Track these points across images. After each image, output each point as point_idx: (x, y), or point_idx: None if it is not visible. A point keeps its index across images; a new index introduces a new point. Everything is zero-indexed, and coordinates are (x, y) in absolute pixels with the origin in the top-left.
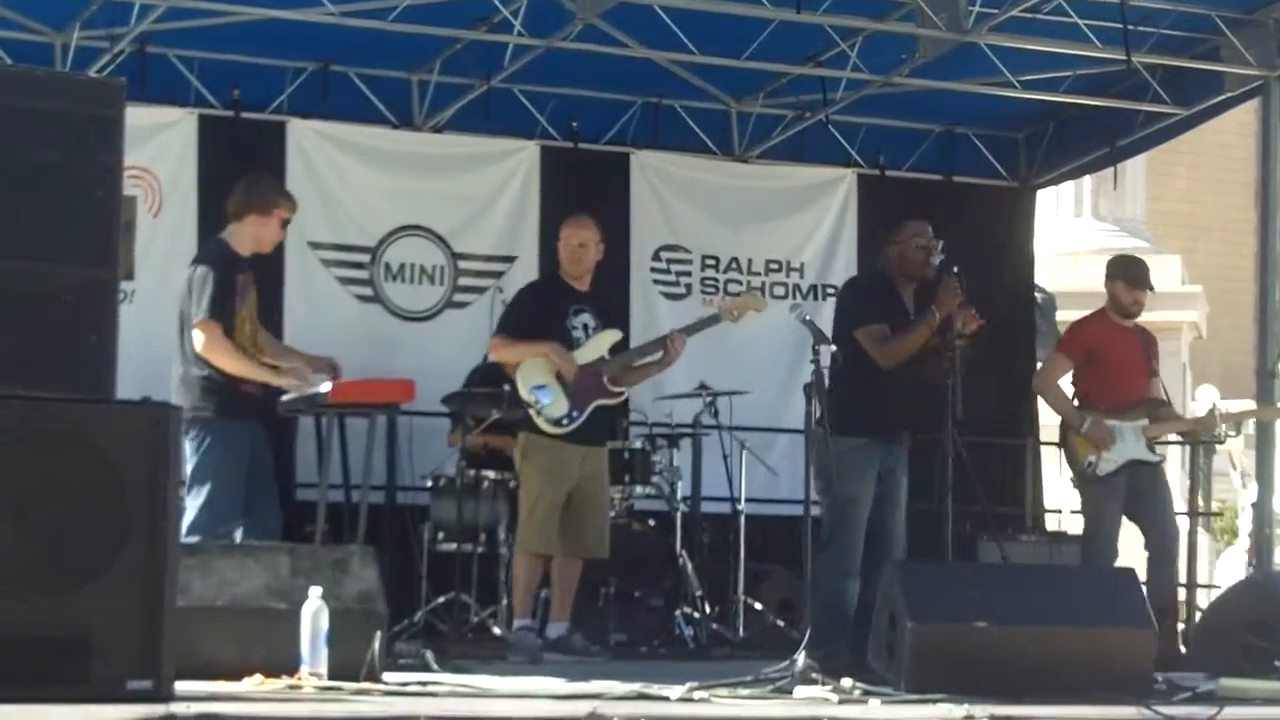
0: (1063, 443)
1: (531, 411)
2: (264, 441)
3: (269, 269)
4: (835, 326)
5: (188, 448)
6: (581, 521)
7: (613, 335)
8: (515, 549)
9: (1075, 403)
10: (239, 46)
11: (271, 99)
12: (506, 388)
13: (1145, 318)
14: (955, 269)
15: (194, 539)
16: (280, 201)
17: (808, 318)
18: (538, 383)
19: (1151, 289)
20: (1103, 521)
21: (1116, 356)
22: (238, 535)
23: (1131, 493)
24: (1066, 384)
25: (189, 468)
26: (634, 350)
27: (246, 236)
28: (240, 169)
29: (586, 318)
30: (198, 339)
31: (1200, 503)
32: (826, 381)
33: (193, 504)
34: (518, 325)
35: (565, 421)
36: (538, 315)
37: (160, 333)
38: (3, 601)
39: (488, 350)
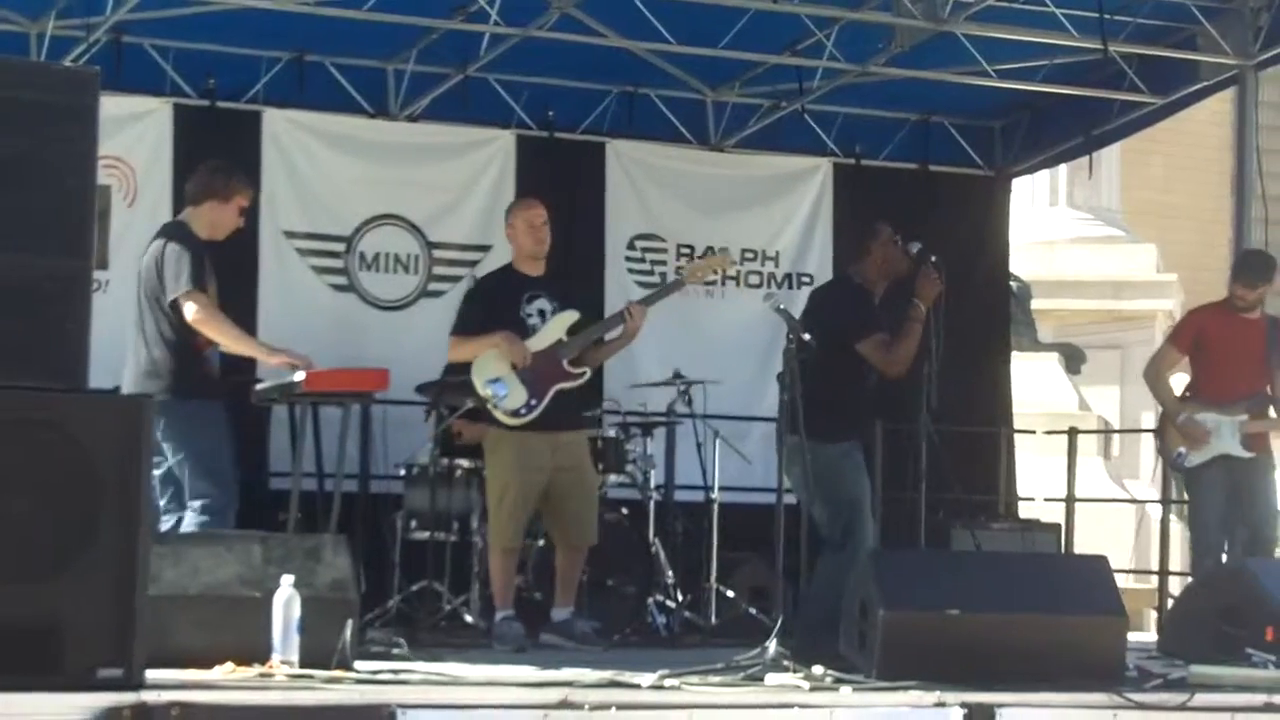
0: (1159, 430)
1: (489, 406)
2: (225, 421)
3: (243, 258)
4: (821, 339)
5: (167, 448)
6: (564, 511)
7: (569, 316)
8: (490, 544)
9: (1186, 393)
10: (214, 36)
11: (247, 88)
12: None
13: (1118, 305)
14: (934, 258)
15: (207, 519)
16: (240, 189)
17: (781, 306)
18: (491, 376)
19: (1269, 282)
20: (1199, 512)
21: (1225, 348)
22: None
23: (1228, 486)
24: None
25: (182, 455)
26: (592, 328)
27: (204, 221)
28: (216, 158)
29: (542, 303)
30: (189, 310)
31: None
32: (799, 372)
33: (201, 488)
34: (470, 322)
35: (524, 411)
36: (489, 309)
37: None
38: None
39: (449, 353)
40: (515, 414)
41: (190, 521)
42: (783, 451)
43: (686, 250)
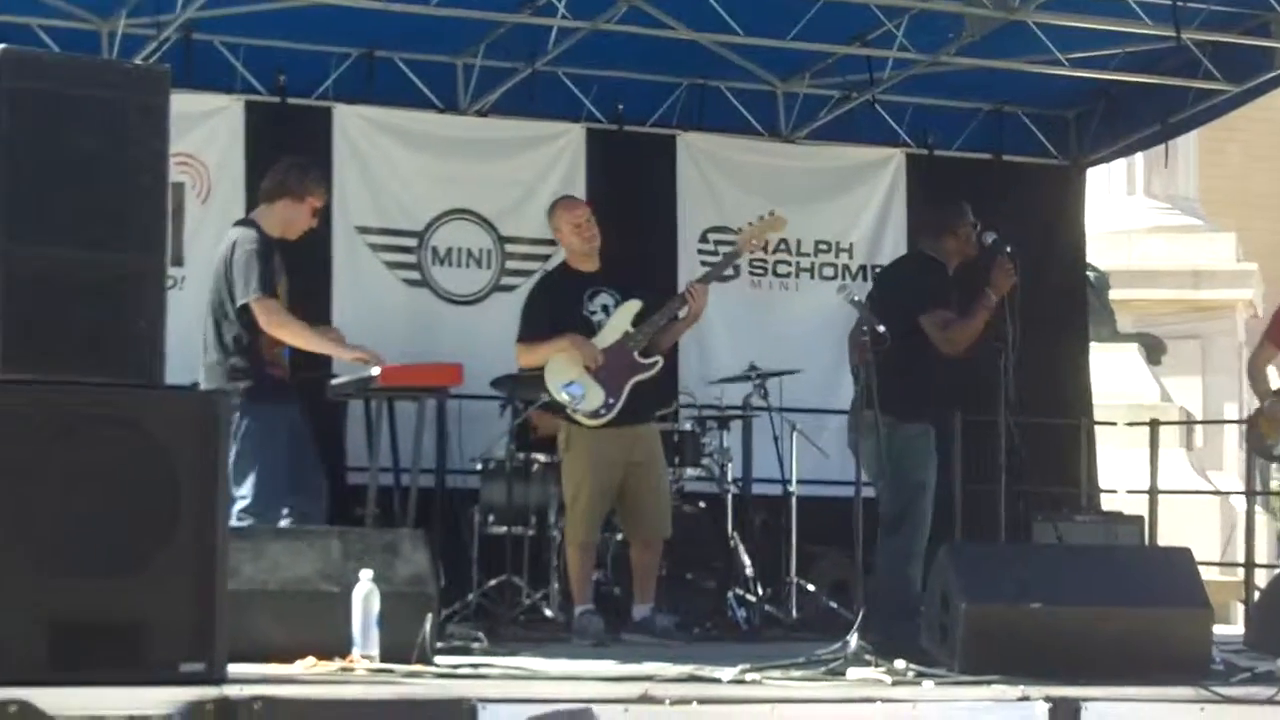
0: (1251, 422)
1: (569, 410)
2: (300, 421)
3: (316, 254)
4: (887, 309)
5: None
6: (639, 505)
7: (633, 306)
8: (566, 539)
9: None
10: (284, 32)
11: (317, 85)
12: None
13: (1197, 295)
14: (1009, 249)
15: (248, 522)
16: (314, 189)
17: (856, 298)
18: (565, 380)
19: None
20: None
21: None
22: (284, 520)
23: None
24: None
25: (231, 455)
26: (656, 315)
27: (276, 220)
28: (287, 154)
29: (604, 298)
30: (260, 315)
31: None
32: (874, 364)
33: (241, 491)
34: (535, 327)
35: (604, 411)
36: (552, 311)
37: None
38: (57, 587)
39: (517, 361)
40: (595, 415)
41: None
42: (857, 429)
43: (759, 243)
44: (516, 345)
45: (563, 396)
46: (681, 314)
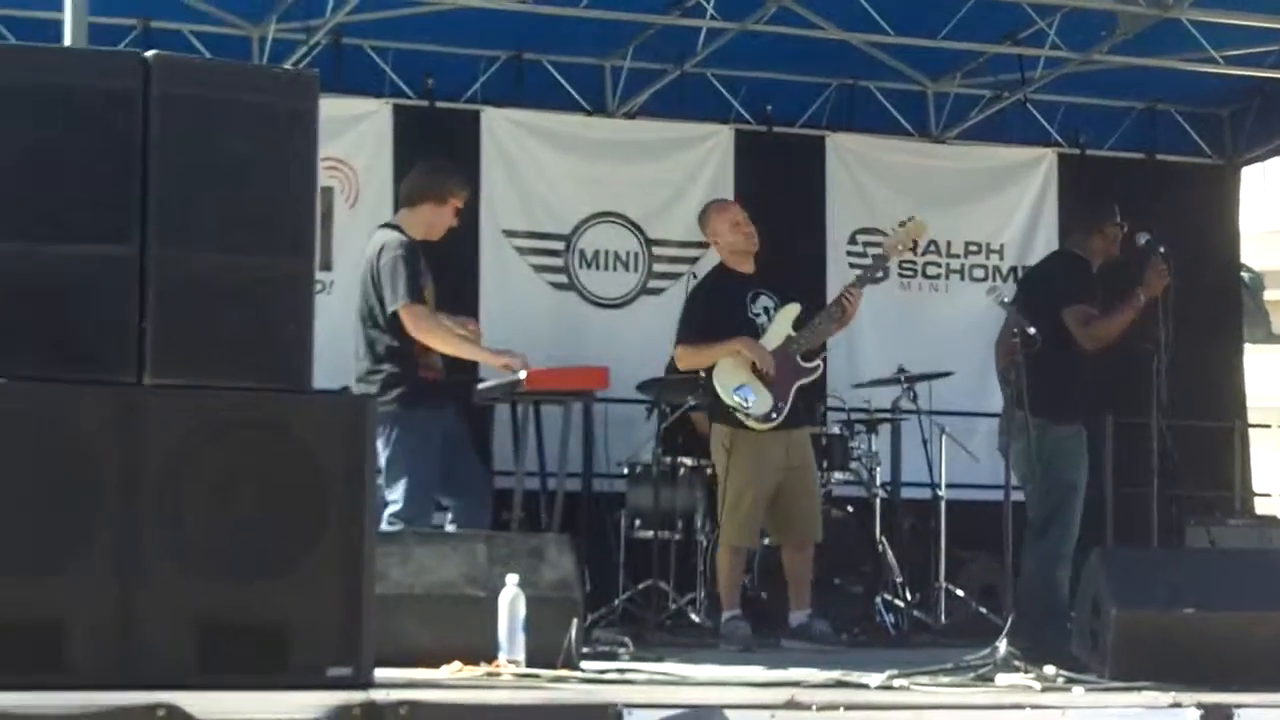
0: None
1: (739, 415)
2: (456, 422)
3: (464, 257)
4: (1032, 306)
5: (379, 444)
6: (793, 509)
7: (793, 310)
8: (719, 543)
9: None
10: (432, 36)
11: (465, 88)
12: (703, 374)
13: None
14: (1162, 249)
15: (399, 526)
16: (456, 190)
17: (1005, 299)
18: (737, 383)
19: None
20: None
21: None
22: (449, 524)
23: None
24: None
25: (382, 461)
26: (816, 319)
27: (420, 222)
28: (435, 157)
29: (765, 300)
30: (408, 321)
31: None
32: (1024, 365)
33: (393, 496)
34: (698, 328)
35: (774, 415)
36: (716, 313)
37: None
38: (205, 590)
39: (674, 359)
40: (766, 419)
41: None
42: (1009, 431)
43: (905, 247)
44: (678, 347)
45: (734, 400)
46: (837, 316)
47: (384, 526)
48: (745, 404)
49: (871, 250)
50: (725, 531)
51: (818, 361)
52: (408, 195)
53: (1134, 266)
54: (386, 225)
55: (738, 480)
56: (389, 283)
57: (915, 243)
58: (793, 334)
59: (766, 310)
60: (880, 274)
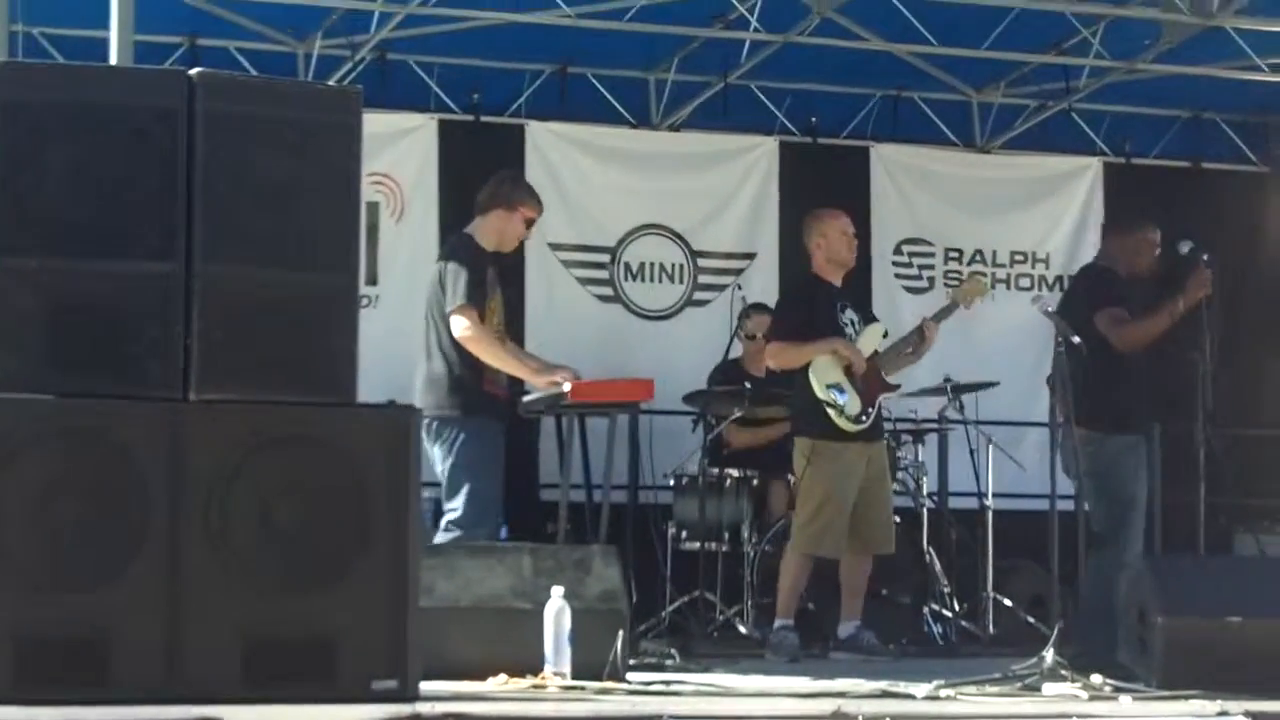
0: None
1: (831, 411)
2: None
3: (511, 271)
4: (1072, 317)
5: (438, 450)
6: (869, 519)
7: (879, 330)
8: (788, 550)
9: None
10: (477, 51)
11: (510, 102)
12: (748, 386)
13: None
14: (1205, 257)
15: (456, 534)
16: (526, 199)
17: (1050, 309)
18: (832, 381)
19: None
20: None
21: None
22: (503, 531)
23: None
24: None
25: (445, 467)
26: (899, 342)
27: (490, 231)
28: (481, 172)
29: (851, 313)
30: (456, 324)
31: None
32: (1072, 376)
33: (455, 503)
34: (793, 328)
35: (864, 418)
36: (810, 315)
37: (405, 336)
38: (250, 603)
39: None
40: (856, 420)
41: (439, 535)
42: (1059, 448)
43: (955, 254)
44: (771, 344)
45: (829, 396)
46: (912, 346)
47: (441, 535)
48: (839, 402)
49: (917, 260)
50: (800, 539)
51: (899, 382)
52: (480, 204)
53: (1177, 274)
54: (458, 235)
55: (818, 490)
56: (450, 284)
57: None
58: (879, 350)
59: (853, 323)
60: (924, 283)
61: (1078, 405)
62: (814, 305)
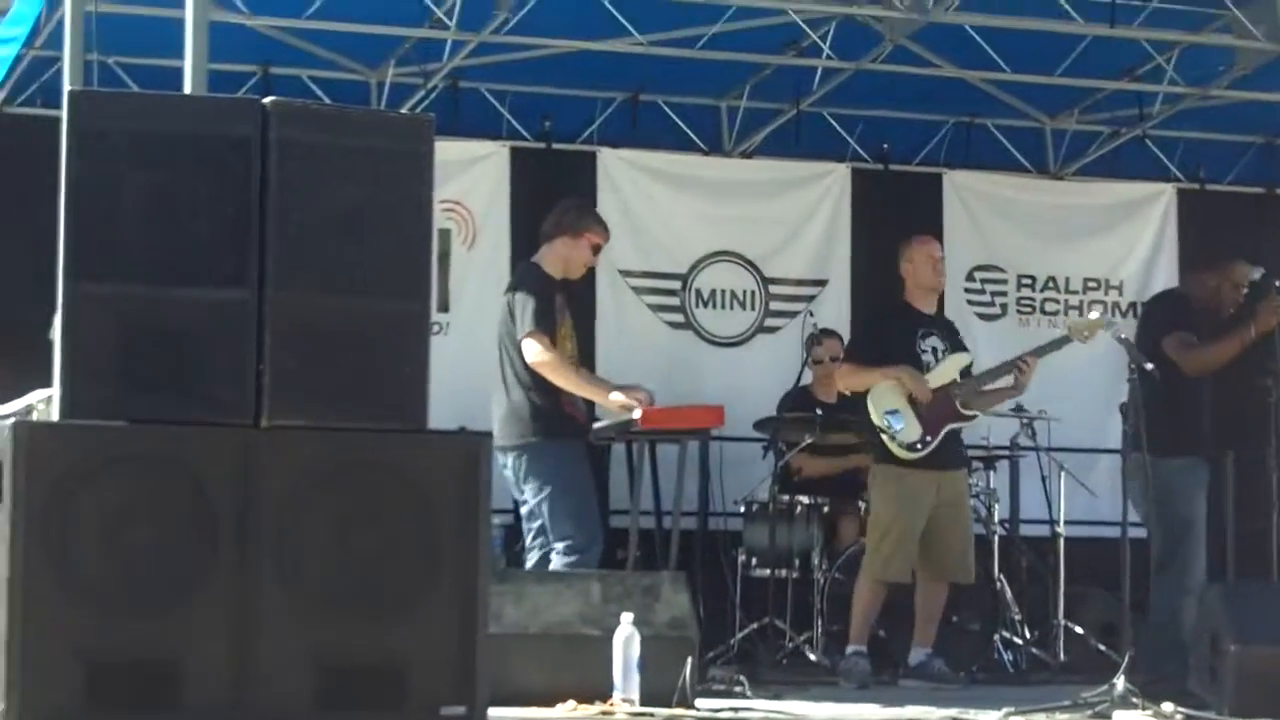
0: None
1: (884, 437)
2: None
3: (581, 297)
4: (1142, 343)
5: (530, 482)
6: (942, 545)
7: (963, 358)
8: (860, 575)
9: None
10: (549, 78)
11: (582, 129)
12: (819, 413)
13: None
14: (1278, 284)
15: (573, 559)
16: (592, 226)
17: (1123, 336)
18: (890, 407)
19: None
20: None
21: None
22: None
23: None
24: None
25: (543, 496)
26: (985, 373)
27: (556, 258)
28: (552, 199)
29: (935, 341)
30: (528, 350)
31: None
32: (1145, 403)
33: (565, 528)
34: (865, 352)
35: (919, 446)
36: (886, 340)
37: (476, 363)
38: (320, 630)
39: (838, 380)
40: (910, 448)
41: (556, 562)
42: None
43: (1027, 280)
44: (842, 365)
45: (882, 422)
46: (1009, 381)
47: (565, 560)
48: (892, 428)
49: (990, 287)
50: (869, 565)
51: (975, 412)
52: (546, 231)
53: (1248, 301)
54: (525, 262)
55: (884, 515)
56: (520, 312)
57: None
58: (958, 379)
59: (935, 350)
60: (996, 310)
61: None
62: (889, 331)
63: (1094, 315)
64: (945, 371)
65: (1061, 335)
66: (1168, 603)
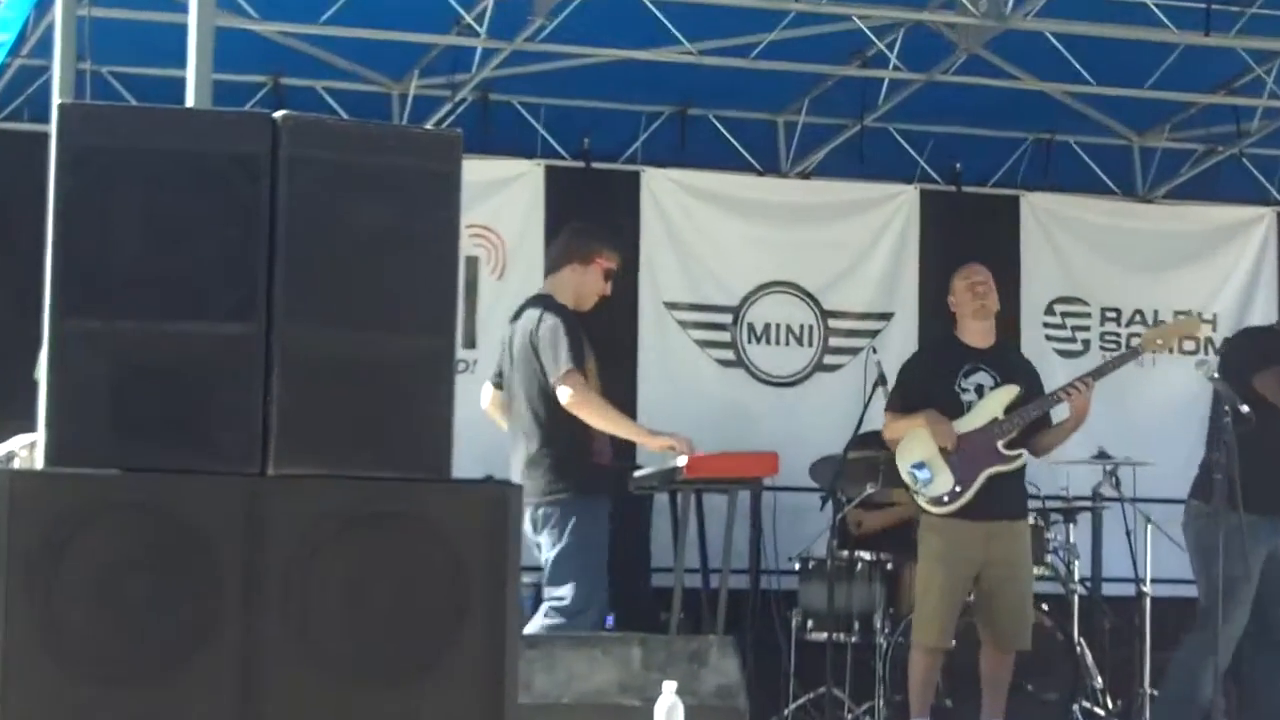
0: None
1: (912, 493)
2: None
3: (622, 332)
4: (1230, 382)
5: (546, 537)
6: (994, 608)
7: (1008, 393)
8: (911, 641)
9: None
10: (589, 91)
11: (624, 147)
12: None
13: None
14: None
15: (558, 622)
16: (601, 249)
17: (1215, 375)
18: (916, 460)
19: None
20: None
21: None
22: (609, 619)
23: None
24: None
25: (553, 554)
26: (1028, 406)
27: (566, 288)
28: (591, 224)
29: (982, 377)
30: (564, 393)
31: None
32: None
33: (561, 590)
34: (903, 396)
35: (948, 498)
36: (923, 382)
37: None
38: (333, 695)
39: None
40: (938, 501)
41: (537, 622)
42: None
43: (1112, 314)
44: (885, 413)
45: (909, 478)
46: (1063, 412)
47: (541, 621)
48: (917, 482)
49: (1071, 321)
50: (914, 629)
51: (1021, 451)
52: (551, 261)
53: None
54: (536, 298)
55: (924, 572)
56: (550, 351)
57: (1182, 340)
58: (1000, 417)
59: (979, 388)
60: (1078, 346)
61: (1208, 479)
62: (927, 371)
63: (1173, 323)
64: (986, 409)
65: (1130, 349)
66: (1191, 666)
